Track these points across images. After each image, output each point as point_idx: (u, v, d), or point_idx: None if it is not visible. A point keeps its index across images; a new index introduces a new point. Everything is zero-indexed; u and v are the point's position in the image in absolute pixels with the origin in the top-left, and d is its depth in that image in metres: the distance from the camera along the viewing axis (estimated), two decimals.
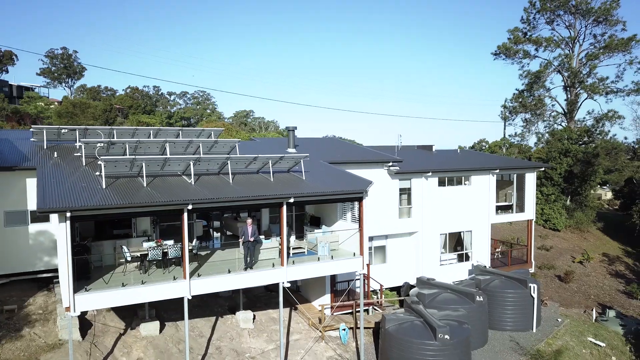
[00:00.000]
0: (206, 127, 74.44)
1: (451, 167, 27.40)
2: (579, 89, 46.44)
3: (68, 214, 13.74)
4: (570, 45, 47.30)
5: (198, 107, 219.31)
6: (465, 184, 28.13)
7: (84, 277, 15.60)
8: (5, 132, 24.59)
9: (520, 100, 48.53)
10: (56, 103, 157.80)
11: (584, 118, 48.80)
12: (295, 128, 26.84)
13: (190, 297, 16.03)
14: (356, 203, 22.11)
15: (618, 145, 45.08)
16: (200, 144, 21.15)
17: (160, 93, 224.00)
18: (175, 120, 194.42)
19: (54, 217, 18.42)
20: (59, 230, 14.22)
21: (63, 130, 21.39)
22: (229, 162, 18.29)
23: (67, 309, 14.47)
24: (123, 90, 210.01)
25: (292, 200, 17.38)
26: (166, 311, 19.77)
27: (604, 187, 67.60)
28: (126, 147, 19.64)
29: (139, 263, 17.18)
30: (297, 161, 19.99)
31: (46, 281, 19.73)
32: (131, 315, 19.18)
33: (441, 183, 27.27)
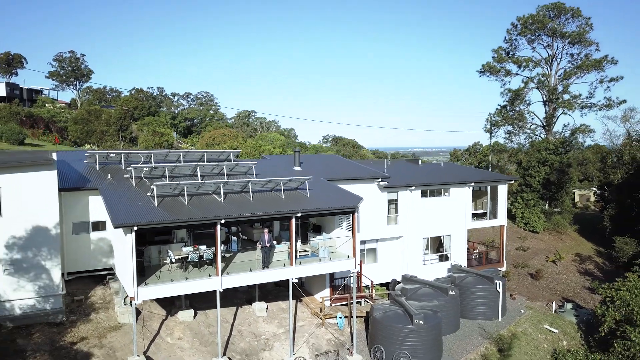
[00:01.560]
0: (213, 133, 79.19)
1: (432, 182, 32.34)
2: (555, 105, 51.34)
3: (135, 228, 18.70)
4: (549, 64, 52.21)
5: (201, 107, 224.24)
6: (445, 195, 33.07)
7: (141, 274, 20.53)
8: (62, 153, 29.30)
9: (502, 114, 53.50)
10: (64, 105, 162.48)
11: (562, 130, 53.77)
12: (299, 150, 31.78)
13: (221, 290, 21.01)
14: (350, 215, 27.02)
15: (588, 157, 49.98)
16: (224, 166, 26.04)
17: (164, 94, 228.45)
18: (179, 121, 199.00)
19: (110, 226, 23.38)
20: (125, 239, 19.16)
21: (111, 154, 26.29)
22: (249, 183, 23.23)
23: (132, 298, 19.42)
24: (128, 91, 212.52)
25: (299, 214, 22.35)
26: (197, 302, 24.70)
27: (594, 188, 72.36)
28: (165, 170, 24.56)
29: (180, 263, 22.12)
30: (302, 182, 24.88)
31: (102, 277, 24.69)
32: (170, 304, 24.13)
33: (424, 194, 32.21)
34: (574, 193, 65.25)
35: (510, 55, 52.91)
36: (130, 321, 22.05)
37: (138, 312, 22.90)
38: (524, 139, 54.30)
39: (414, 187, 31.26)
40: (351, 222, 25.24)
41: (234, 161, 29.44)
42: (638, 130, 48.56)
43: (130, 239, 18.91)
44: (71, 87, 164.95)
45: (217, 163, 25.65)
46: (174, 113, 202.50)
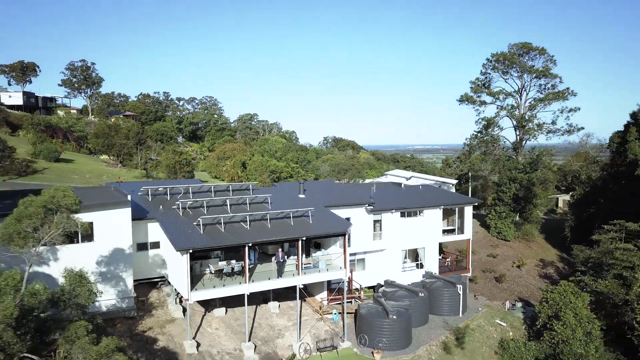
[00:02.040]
0: (224, 147, 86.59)
1: (409, 206, 40.39)
2: (523, 130, 59.38)
3: (190, 251, 26.82)
4: (519, 94, 60.25)
5: (206, 112, 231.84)
6: (420, 215, 41.13)
7: (191, 282, 28.62)
8: (125, 184, 37.18)
9: (477, 138, 61.59)
10: (76, 111, 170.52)
11: (530, 151, 61.85)
12: (303, 182, 39.86)
13: (249, 294, 29.13)
14: (342, 237, 35.13)
15: (548, 177, 58.01)
16: (247, 198, 34.09)
17: (169, 99, 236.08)
18: (185, 125, 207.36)
19: (162, 245, 31.44)
20: (181, 258, 27.24)
21: (160, 189, 34.37)
22: (267, 214, 31.31)
23: (186, 299, 27.53)
24: (135, 97, 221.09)
25: (304, 238, 30.46)
26: (227, 301, 32.76)
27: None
28: (203, 202, 32.65)
29: (217, 274, 30.21)
30: (306, 211, 32.92)
31: (155, 283, 32.79)
32: (206, 304, 32.20)
33: (402, 215, 40.27)
34: (557, 198, 72.98)
35: (485, 85, 60.93)
36: (181, 316, 30.28)
37: (184, 310, 31.01)
38: (496, 160, 62.24)
39: (394, 210, 39.32)
40: (344, 240, 33.27)
41: (252, 191, 37.61)
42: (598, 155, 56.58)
43: (186, 258, 27.03)
44: (82, 94, 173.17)
45: (241, 196, 33.69)
46: (179, 118, 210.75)
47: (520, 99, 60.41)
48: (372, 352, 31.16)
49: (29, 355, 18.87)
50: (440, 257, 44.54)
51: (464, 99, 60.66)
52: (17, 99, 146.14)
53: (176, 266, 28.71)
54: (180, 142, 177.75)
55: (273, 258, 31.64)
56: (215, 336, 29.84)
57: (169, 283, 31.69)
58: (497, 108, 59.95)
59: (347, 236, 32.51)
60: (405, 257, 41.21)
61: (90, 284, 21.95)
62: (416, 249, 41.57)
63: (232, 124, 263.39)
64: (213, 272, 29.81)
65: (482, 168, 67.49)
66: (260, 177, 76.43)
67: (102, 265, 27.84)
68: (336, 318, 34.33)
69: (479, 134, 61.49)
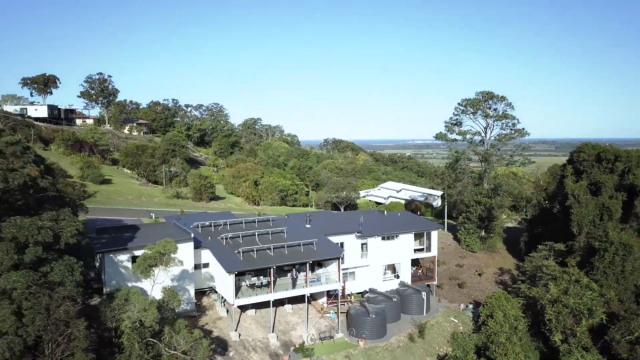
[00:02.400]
0: (239, 166, 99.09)
1: (387, 232, 53.88)
2: (487, 163, 72.88)
3: (235, 272, 40.41)
4: (484, 132, 73.70)
5: (212, 118, 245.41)
6: (396, 239, 54.66)
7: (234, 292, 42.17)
8: (183, 218, 50.52)
9: (449, 168, 75.11)
10: (93, 120, 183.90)
11: (495, 177, 75.28)
12: (310, 215, 53.28)
13: (273, 300, 42.73)
14: (337, 259, 48.72)
15: (504, 202, 71.55)
16: (270, 231, 47.59)
17: (178, 105, 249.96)
18: (193, 132, 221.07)
19: (211, 265, 44.91)
20: (229, 277, 40.77)
21: (206, 223, 47.88)
22: (285, 244, 44.85)
23: (231, 304, 41.12)
24: (146, 104, 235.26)
25: (311, 261, 44.05)
26: (256, 305, 46.28)
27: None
28: (240, 235, 46.17)
29: (250, 286, 43.76)
30: (311, 242, 46.43)
31: (204, 292, 46.34)
32: (242, 306, 45.73)
33: (383, 239, 53.77)
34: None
35: (457, 124, 74.43)
36: (226, 315, 43.90)
37: (227, 311, 44.57)
38: (465, 186, 75.77)
39: (376, 236, 52.86)
40: (338, 262, 46.79)
41: (272, 222, 51.18)
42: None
43: (232, 277, 40.59)
44: (100, 104, 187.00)
45: (266, 229, 47.20)
46: (188, 124, 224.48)
47: (485, 136, 73.89)
48: (358, 341, 44.77)
49: (152, 340, 32.56)
50: (414, 269, 58.12)
51: (439, 137, 74.18)
52: (42, 112, 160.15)
53: (223, 281, 42.28)
54: (191, 148, 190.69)
55: (288, 274, 45.20)
56: (249, 329, 43.48)
57: (216, 291, 45.24)
58: (466, 145, 73.39)
59: (340, 258, 46.10)
60: (386, 270, 54.79)
61: (178, 295, 35.70)
62: (394, 264, 55.14)
63: (237, 128, 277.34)
64: (248, 285, 43.39)
65: (453, 193, 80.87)
66: (271, 195, 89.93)
67: (175, 281, 41.37)
68: (333, 316, 47.91)
69: (449, 167, 75.06)
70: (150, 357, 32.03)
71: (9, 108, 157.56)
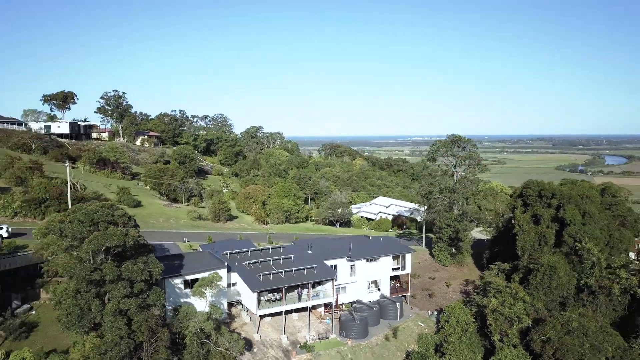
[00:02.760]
0: (249, 188, 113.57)
1: (371, 256, 69.82)
2: (455, 194, 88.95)
3: (258, 291, 56.38)
4: (454, 168, 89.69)
5: (218, 128, 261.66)
6: (378, 260, 70.59)
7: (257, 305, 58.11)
8: (214, 245, 66.28)
9: (424, 197, 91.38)
10: (107, 134, 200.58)
11: (460, 207, 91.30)
12: (311, 243, 69.26)
13: (284, 310, 58.73)
14: (332, 280, 64.69)
15: (468, 227, 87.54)
16: (281, 257, 63.47)
17: (185, 116, 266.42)
18: (200, 142, 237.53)
19: (238, 284, 60.80)
20: (252, 294, 56.69)
21: (233, 252, 63.75)
22: (293, 269, 60.81)
23: (254, 314, 57.11)
24: (155, 115, 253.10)
25: (312, 282, 60.07)
26: (272, 315, 62.18)
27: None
28: (259, 262, 62.10)
29: (268, 300, 59.70)
30: (313, 266, 62.36)
31: (232, 304, 62.22)
32: (261, 315, 61.69)
33: (368, 260, 69.71)
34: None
35: (432, 160, 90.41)
36: (249, 321, 59.94)
37: (251, 318, 60.51)
38: (437, 211, 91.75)
39: (362, 259, 68.80)
40: (332, 281, 62.65)
41: (282, 249, 67.09)
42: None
43: (256, 294, 56.54)
44: (115, 119, 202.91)
45: (279, 257, 63.08)
46: (195, 135, 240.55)
47: (455, 170, 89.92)
48: (347, 340, 60.75)
49: (205, 340, 48.48)
50: (393, 283, 74.08)
51: (415, 177, 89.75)
52: (64, 129, 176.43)
53: (248, 296, 58.17)
54: (199, 158, 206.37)
55: (295, 291, 61.12)
56: (267, 332, 59.46)
57: (241, 304, 61.12)
58: (438, 179, 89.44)
59: (334, 278, 62.06)
60: (370, 285, 70.75)
61: (219, 310, 51.75)
62: (376, 280, 71.13)
63: (240, 135, 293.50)
64: (266, 299, 59.34)
65: (428, 218, 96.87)
66: (277, 215, 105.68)
67: (214, 297, 57.23)
68: (328, 321, 63.89)
69: (424, 196, 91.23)
70: (204, 352, 47.98)
71: (34, 125, 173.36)
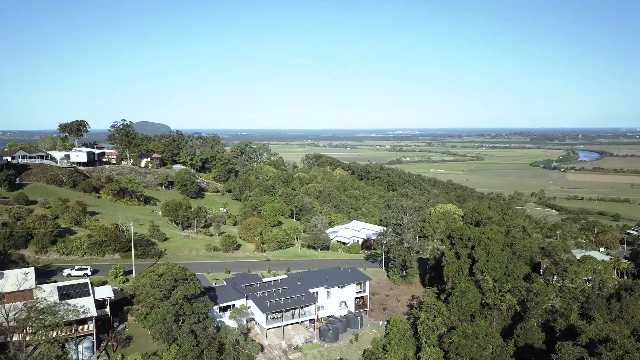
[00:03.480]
0: (249, 220, 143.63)
1: (341, 284, 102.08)
2: (402, 235, 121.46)
3: (267, 313, 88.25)
4: (402, 219, 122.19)
5: (211, 147, 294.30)
6: (344, 287, 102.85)
7: (265, 321, 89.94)
8: (235, 279, 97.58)
9: (381, 236, 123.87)
10: (115, 156, 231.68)
11: (407, 243, 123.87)
12: (300, 277, 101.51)
13: (284, 324, 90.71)
14: (313, 303, 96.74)
15: (413, 257, 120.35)
16: (280, 287, 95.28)
17: (182, 137, 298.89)
18: (196, 161, 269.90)
19: (252, 308, 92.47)
20: (262, 314, 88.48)
21: (247, 284, 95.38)
22: (289, 297, 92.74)
23: (264, 327, 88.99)
24: (154, 136, 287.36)
25: (301, 306, 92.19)
26: (275, 327, 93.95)
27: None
28: (265, 291, 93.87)
29: (272, 317, 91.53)
30: (301, 295, 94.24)
31: (248, 320, 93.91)
32: (268, 328, 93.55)
33: (339, 287, 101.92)
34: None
35: (388, 206, 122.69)
36: (260, 332, 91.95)
37: (260, 330, 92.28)
38: (390, 245, 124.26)
39: (335, 287, 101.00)
40: (315, 304, 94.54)
41: (281, 280, 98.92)
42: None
43: (266, 315, 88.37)
44: (122, 145, 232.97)
45: (281, 287, 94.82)
46: (192, 155, 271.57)
47: (403, 220, 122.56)
48: (324, 343, 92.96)
49: (237, 346, 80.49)
50: (356, 301, 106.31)
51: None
52: (82, 157, 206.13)
53: (259, 316, 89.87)
54: (195, 174, 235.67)
55: (290, 311, 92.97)
56: (272, 339, 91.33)
57: (254, 320, 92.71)
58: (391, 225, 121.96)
59: (316, 302, 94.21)
60: (340, 304, 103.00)
61: (244, 327, 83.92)
62: (345, 300, 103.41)
63: (228, 149, 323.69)
64: (271, 317, 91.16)
65: (384, 250, 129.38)
66: (272, 244, 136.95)
67: (239, 316, 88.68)
68: (312, 331, 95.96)
69: (382, 235, 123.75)
70: (236, 354, 79.52)
71: (57, 154, 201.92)
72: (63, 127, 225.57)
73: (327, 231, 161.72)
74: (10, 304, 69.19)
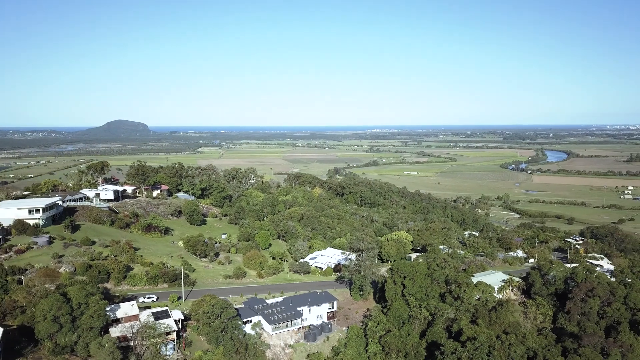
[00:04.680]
0: (251, 253, 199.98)
1: (318, 303, 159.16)
2: (359, 267, 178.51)
3: (272, 325, 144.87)
4: (356, 257, 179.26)
5: (208, 177, 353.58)
6: (320, 305, 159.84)
7: (271, 330, 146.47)
8: (248, 301, 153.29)
9: (343, 266, 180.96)
10: (132, 190, 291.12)
11: (365, 271, 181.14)
12: (291, 300, 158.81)
13: (282, 331, 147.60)
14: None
15: (367, 282, 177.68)
16: (279, 307, 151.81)
17: (182, 169, 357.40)
18: (197, 190, 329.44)
19: (262, 321, 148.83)
20: (269, 325, 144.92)
21: (258, 304, 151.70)
22: (286, 314, 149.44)
23: (270, 333, 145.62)
24: (159, 166, 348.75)
25: (293, 320, 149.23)
26: (276, 333, 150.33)
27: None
28: (270, 311, 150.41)
29: (275, 327, 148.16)
30: (293, 312, 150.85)
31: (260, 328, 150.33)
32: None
33: (316, 305, 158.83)
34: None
35: (349, 248, 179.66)
36: (267, 336, 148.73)
37: (267, 334, 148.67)
38: (351, 273, 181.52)
39: (314, 305, 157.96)
40: (301, 318, 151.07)
41: (282, 301, 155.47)
42: None
43: (272, 326, 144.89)
44: (138, 182, 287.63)
45: (279, 307, 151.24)
46: (193, 184, 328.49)
47: (360, 257, 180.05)
48: (307, 342, 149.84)
49: (256, 346, 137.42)
50: (328, 314, 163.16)
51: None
52: (110, 194, 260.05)
53: (266, 326, 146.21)
54: (198, 204, 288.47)
55: (287, 322, 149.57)
56: (275, 340, 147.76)
57: (263, 328, 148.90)
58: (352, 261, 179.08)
59: (302, 316, 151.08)
60: (317, 316, 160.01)
61: (258, 333, 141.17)
62: (320, 314, 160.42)
63: (221, 173, 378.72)
64: (274, 327, 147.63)
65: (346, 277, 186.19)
66: (268, 271, 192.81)
67: (255, 328, 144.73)
68: (299, 334, 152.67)
69: (344, 267, 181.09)
70: (254, 350, 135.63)
71: (90, 193, 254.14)
72: (89, 167, 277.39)
73: (307, 257, 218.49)
74: (127, 323, 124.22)
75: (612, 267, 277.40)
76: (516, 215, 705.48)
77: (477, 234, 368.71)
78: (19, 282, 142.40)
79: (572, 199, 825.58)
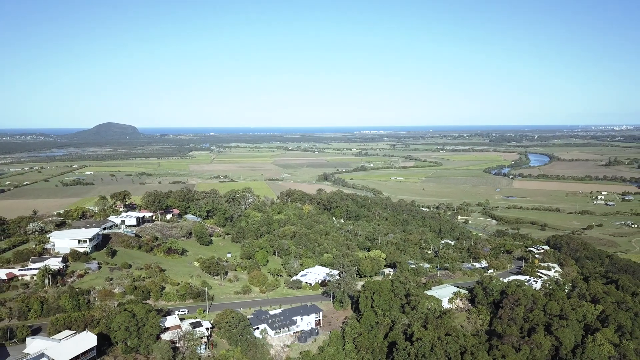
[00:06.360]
0: (255, 273, 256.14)
1: (308, 314, 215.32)
2: (339, 284, 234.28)
3: (275, 330, 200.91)
4: (338, 274, 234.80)
5: (212, 201, 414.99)
6: (310, 315, 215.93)
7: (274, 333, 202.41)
8: (255, 313, 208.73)
9: (328, 283, 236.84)
10: (148, 215, 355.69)
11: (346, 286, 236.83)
12: (288, 311, 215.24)
13: (281, 335, 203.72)
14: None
15: (345, 298, 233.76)
16: (279, 317, 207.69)
17: (189, 192, 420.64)
18: (203, 212, 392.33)
19: (267, 327, 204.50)
20: (272, 330, 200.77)
21: (263, 314, 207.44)
22: (284, 322, 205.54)
23: (272, 336, 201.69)
24: (170, 191, 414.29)
25: (289, 326, 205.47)
26: (278, 335, 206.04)
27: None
28: (271, 317, 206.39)
29: (277, 332, 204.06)
30: (289, 320, 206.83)
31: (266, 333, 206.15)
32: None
33: (307, 315, 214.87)
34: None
35: (331, 264, 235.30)
36: (270, 339, 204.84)
37: (270, 337, 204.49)
38: (334, 289, 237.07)
39: (305, 315, 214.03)
40: (295, 324, 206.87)
41: (281, 312, 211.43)
42: None
43: (274, 330, 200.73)
44: (155, 209, 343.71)
45: (278, 317, 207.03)
46: (199, 207, 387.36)
47: (341, 275, 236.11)
48: (300, 343, 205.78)
49: (264, 347, 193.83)
50: (315, 321, 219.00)
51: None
52: (133, 221, 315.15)
53: (270, 331, 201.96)
54: (204, 225, 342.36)
55: (285, 327, 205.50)
56: (276, 342, 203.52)
57: (268, 333, 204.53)
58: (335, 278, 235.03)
59: (296, 324, 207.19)
60: (308, 323, 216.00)
61: (266, 337, 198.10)
62: (310, 321, 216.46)
63: (222, 195, 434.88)
64: (276, 331, 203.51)
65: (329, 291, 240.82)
66: (267, 288, 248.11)
67: (263, 334, 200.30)
68: (294, 337, 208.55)
69: (329, 285, 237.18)
70: (262, 349, 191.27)
71: (116, 220, 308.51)
72: (113, 196, 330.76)
73: (299, 274, 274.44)
74: (174, 330, 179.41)
75: (557, 275, 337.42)
76: (494, 222, 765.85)
77: (453, 243, 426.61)
78: (88, 301, 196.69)
79: (548, 205, 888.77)
